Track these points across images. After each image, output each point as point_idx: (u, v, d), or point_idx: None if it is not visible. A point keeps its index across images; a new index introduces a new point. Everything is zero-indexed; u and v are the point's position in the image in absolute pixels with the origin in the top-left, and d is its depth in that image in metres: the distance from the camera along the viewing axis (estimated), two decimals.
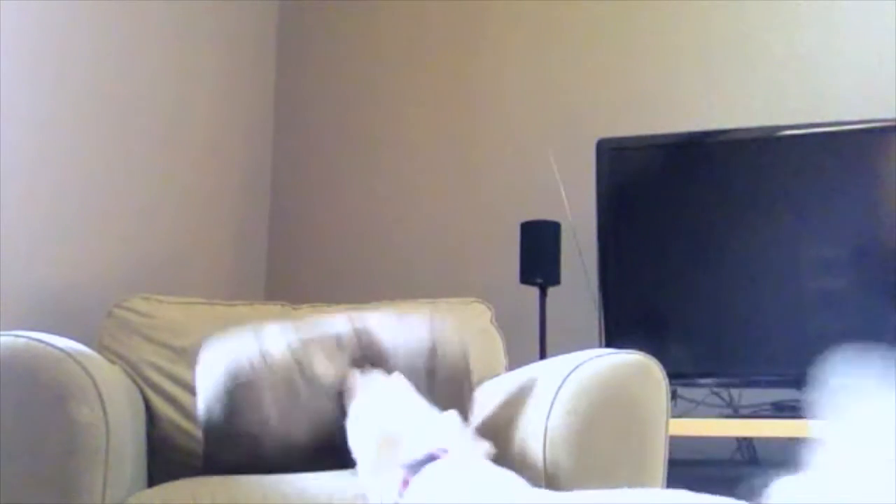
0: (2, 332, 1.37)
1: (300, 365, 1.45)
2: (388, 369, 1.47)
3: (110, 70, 2.21)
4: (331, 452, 1.40)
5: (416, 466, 1.20)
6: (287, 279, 2.82)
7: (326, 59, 2.96)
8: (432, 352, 1.59)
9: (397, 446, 1.24)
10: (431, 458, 1.20)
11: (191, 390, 1.73)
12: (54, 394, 1.31)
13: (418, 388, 1.44)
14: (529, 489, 1.19)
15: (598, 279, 2.25)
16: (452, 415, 1.33)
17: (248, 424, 1.46)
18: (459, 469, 1.19)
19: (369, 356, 1.49)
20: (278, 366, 1.46)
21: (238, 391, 1.45)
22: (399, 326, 1.55)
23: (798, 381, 2.09)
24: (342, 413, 1.39)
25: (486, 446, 1.29)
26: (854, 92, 2.38)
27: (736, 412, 2.16)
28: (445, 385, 1.55)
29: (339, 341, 1.49)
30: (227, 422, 1.48)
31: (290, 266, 2.85)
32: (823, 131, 2.17)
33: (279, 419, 1.45)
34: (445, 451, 1.22)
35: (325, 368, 1.38)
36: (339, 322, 1.55)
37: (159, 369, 1.74)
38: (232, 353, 1.50)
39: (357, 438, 1.33)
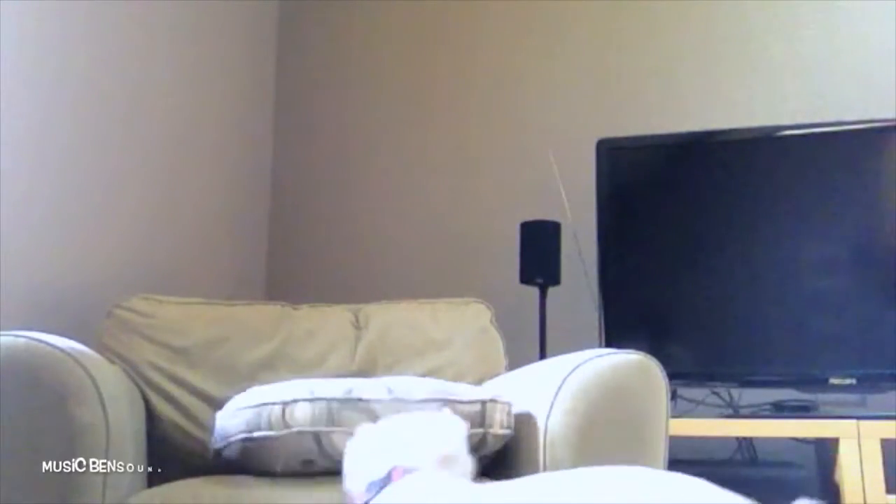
0: (2, 332, 1.37)
1: (319, 442, 1.41)
2: None
3: (110, 70, 2.21)
4: None
5: (376, 486, 1.12)
6: (287, 279, 2.82)
7: (326, 59, 2.96)
8: None
9: (389, 453, 1.16)
10: (390, 478, 1.12)
11: (191, 390, 1.74)
12: (55, 394, 1.31)
13: None
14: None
15: (598, 279, 2.25)
16: (456, 422, 1.25)
17: (254, 468, 1.45)
18: (417, 491, 1.09)
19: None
20: (293, 439, 1.40)
21: (249, 445, 1.43)
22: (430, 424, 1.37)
23: (798, 381, 2.10)
24: None
25: (468, 463, 1.21)
26: (854, 92, 2.38)
27: (736, 412, 2.16)
28: None
29: (371, 414, 1.42)
30: (236, 458, 1.48)
31: (290, 266, 2.85)
32: (823, 131, 2.17)
33: (284, 473, 1.43)
34: (410, 470, 1.12)
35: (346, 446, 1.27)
36: (377, 388, 1.49)
37: (159, 369, 1.74)
38: (259, 400, 1.46)
39: (349, 447, 1.25)
